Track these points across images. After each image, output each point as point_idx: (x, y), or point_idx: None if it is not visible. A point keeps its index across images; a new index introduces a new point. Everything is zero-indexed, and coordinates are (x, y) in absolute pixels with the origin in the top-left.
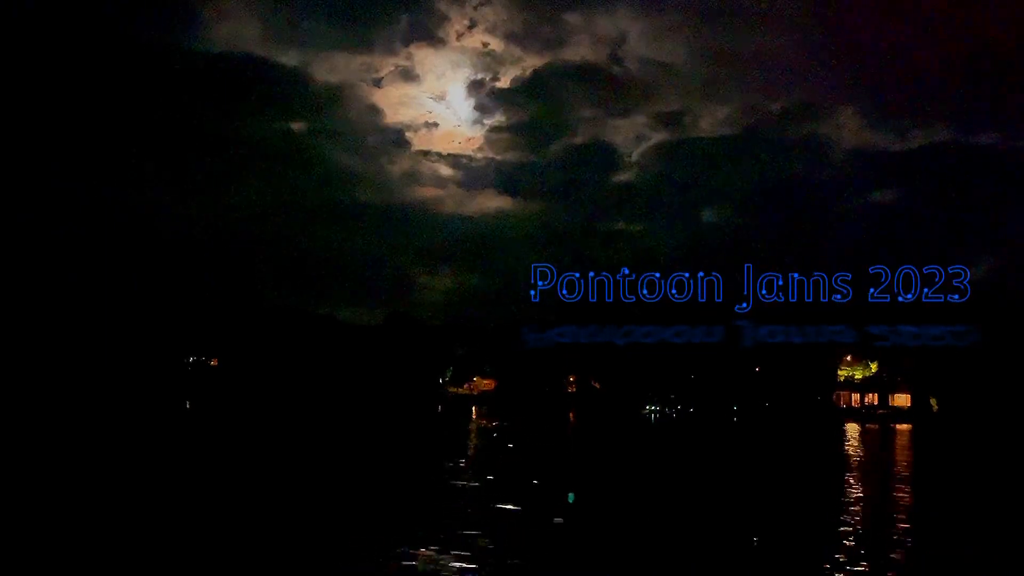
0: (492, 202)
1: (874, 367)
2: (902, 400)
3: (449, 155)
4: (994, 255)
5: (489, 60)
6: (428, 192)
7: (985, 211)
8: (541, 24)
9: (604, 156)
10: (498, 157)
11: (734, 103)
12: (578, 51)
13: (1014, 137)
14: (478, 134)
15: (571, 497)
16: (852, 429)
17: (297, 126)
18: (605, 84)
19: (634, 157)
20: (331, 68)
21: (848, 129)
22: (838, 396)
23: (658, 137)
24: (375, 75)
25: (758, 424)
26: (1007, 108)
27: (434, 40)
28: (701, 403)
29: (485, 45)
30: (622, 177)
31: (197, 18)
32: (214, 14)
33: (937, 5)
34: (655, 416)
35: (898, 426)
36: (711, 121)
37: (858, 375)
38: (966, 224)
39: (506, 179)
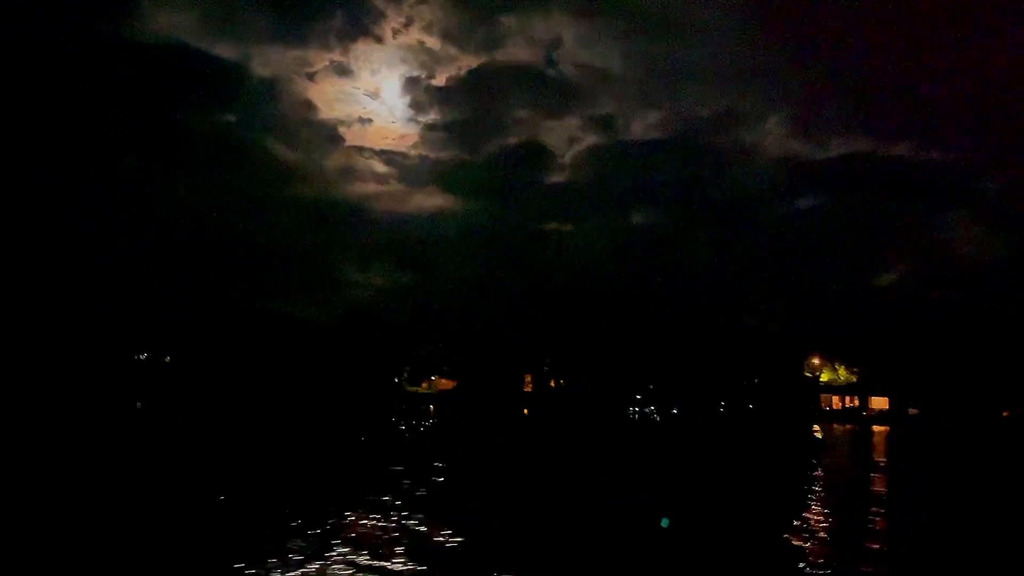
0: (432, 200)
1: (841, 370)
2: (881, 403)
3: (383, 151)
4: (907, 261)
5: (425, 58)
6: (368, 188)
7: (898, 219)
8: (477, 24)
9: (538, 157)
10: (433, 155)
11: (665, 109)
12: (514, 52)
13: (925, 148)
14: (413, 131)
15: None
16: (830, 430)
17: (232, 118)
18: (540, 86)
19: (567, 159)
20: (265, 61)
21: (773, 137)
22: (819, 398)
23: (590, 140)
24: (309, 69)
25: (744, 426)
26: (919, 120)
27: (370, 36)
28: (684, 404)
29: (421, 43)
30: (555, 178)
31: (139, 7)
32: (154, 3)
33: (856, 25)
34: (635, 416)
35: (875, 428)
36: (642, 125)
37: (824, 377)
38: (881, 230)
39: (442, 177)
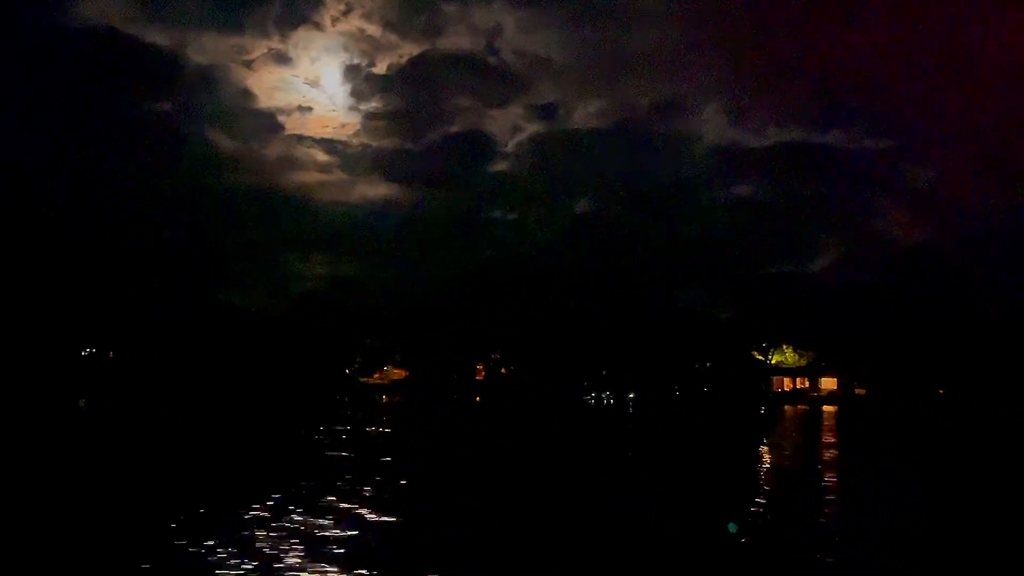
0: (375, 189)
1: (789, 352)
2: (830, 384)
3: (324, 140)
4: (839, 246)
5: (365, 46)
6: (310, 177)
7: (831, 205)
8: (418, 12)
9: (481, 145)
10: (375, 144)
11: (606, 97)
12: (455, 40)
13: (855, 138)
14: (354, 120)
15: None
16: (782, 411)
17: (168, 107)
18: (481, 74)
19: (510, 147)
20: (201, 49)
21: (711, 126)
22: (771, 380)
23: (533, 128)
24: (247, 57)
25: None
26: (849, 111)
27: (309, 23)
28: (640, 389)
29: (361, 31)
30: (498, 167)
31: None
32: None
33: (795, 15)
34: (592, 402)
35: (826, 408)
36: (584, 114)
37: (775, 359)
38: (815, 216)
39: (385, 166)
